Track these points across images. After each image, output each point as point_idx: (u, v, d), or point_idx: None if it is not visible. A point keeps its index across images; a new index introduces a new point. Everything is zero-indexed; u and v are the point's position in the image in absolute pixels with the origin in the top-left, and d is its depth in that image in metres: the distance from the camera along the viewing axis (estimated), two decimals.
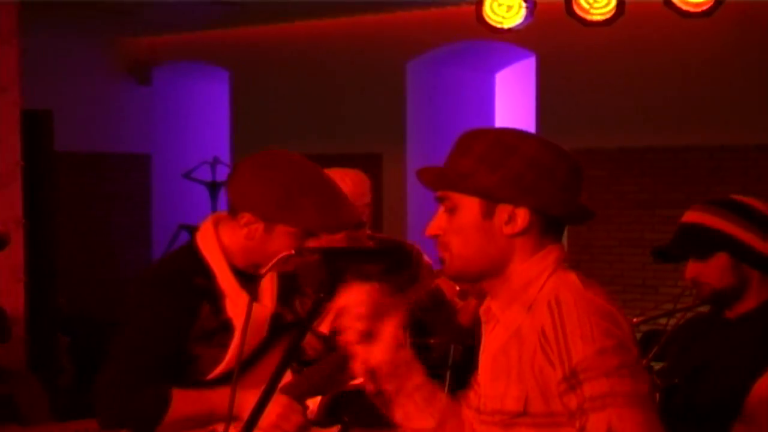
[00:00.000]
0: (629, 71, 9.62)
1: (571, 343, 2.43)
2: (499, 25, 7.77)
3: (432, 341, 5.04)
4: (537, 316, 2.54)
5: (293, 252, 3.00)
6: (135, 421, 3.37)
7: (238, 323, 3.37)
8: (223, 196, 11.99)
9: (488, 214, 2.58)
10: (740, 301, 3.59)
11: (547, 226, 2.61)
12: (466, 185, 2.59)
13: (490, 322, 2.70)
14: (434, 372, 7.07)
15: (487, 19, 7.75)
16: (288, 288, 3.57)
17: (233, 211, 3.39)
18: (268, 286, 3.53)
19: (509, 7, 7.70)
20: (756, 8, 7.81)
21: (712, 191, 8.32)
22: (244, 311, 3.24)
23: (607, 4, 7.43)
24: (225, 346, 3.39)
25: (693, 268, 3.60)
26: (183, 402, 3.36)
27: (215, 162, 11.95)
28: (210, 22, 11.18)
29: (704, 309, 3.82)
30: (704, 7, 7.18)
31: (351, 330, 2.66)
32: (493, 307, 2.67)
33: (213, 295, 3.42)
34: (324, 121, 10.91)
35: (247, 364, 3.34)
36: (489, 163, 2.58)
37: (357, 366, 2.71)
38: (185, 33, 11.88)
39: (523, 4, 7.65)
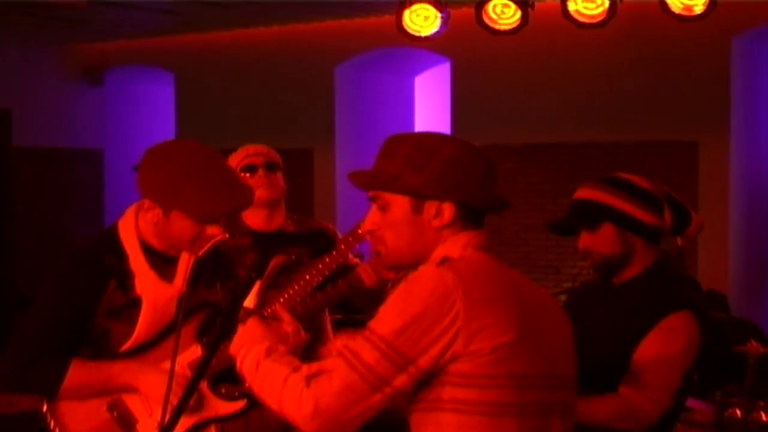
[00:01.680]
0: (533, 75, 9.70)
1: (379, 311, 2.51)
2: (417, 33, 7.77)
3: (360, 317, 5.00)
4: None
5: (227, 235, 2.98)
6: (31, 388, 3.32)
7: (146, 300, 3.30)
8: None
9: (417, 210, 2.60)
10: (626, 267, 3.64)
11: (470, 217, 2.63)
12: (396, 186, 2.60)
13: None
14: None
15: (407, 28, 7.74)
16: (217, 271, 3.45)
17: (142, 198, 3.33)
18: (183, 268, 3.39)
19: (426, 17, 7.70)
20: (645, 19, 7.90)
21: None
22: (153, 290, 3.28)
23: (513, 15, 7.46)
24: (133, 322, 3.30)
25: (584, 240, 3.64)
26: (80, 373, 3.27)
27: None
28: (156, 29, 11.11)
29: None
30: (598, 19, 7.24)
31: None
32: None
33: (122, 274, 3.32)
34: (260, 119, 10.91)
35: (155, 341, 3.30)
36: (414, 165, 2.59)
37: None
38: (134, 39, 11.78)
39: (439, 15, 7.66)
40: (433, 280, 2.49)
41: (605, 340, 3.51)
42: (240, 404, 3.31)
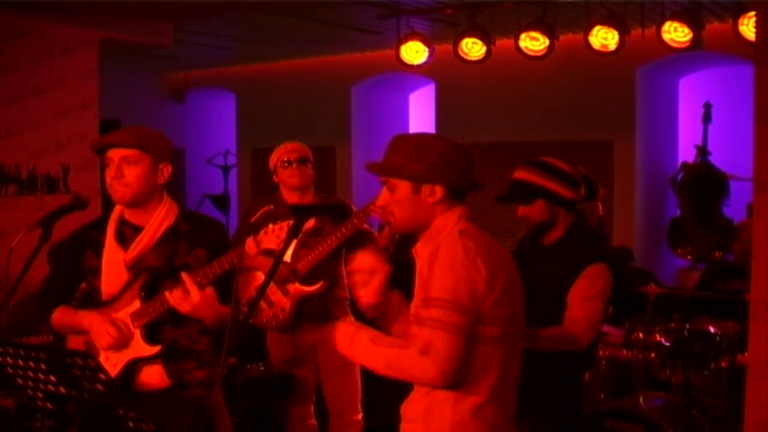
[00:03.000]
0: (495, 93, 9.65)
1: (435, 281, 2.49)
2: (410, 62, 7.76)
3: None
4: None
5: (272, 207, 2.93)
6: (37, 323, 3.35)
7: (103, 263, 3.15)
8: (232, 175, 11.95)
9: (416, 191, 2.61)
10: (552, 230, 3.63)
11: (455, 195, 2.64)
12: (400, 173, 2.61)
13: (417, 258, 2.71)
14: None
15: (403, 58, 7.73)
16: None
17: None
18: (141, 236, 3.14)
19: (417, 51, 7.69)
20: (574, 53, 7.87)
21: None
22: (107, 255, 3.14)
23: (480, 49, 7.46)
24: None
25: (522, 211, 3.65)
26: (63, 317, 3.19)
27: (226, 153, 11.87)
28: (223, 61, 11.08)
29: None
30: (541, 53, 7.24)
31: (356, 282, 2.80)
32: (418, 249, 2.68)
33: (98, 243, 3.19)
34: (296, 125, 10.87)
35: (119, 294, 3.14)
36: (414, 158, 2.59)
37: (361, 303, 2.81)
38: (207, 69, 11.75)
39: (426, 49, 7.65)
40: (461, 249, 2.50)
41: (546, 290, 3.50)
42: (155, 349, 3.11)
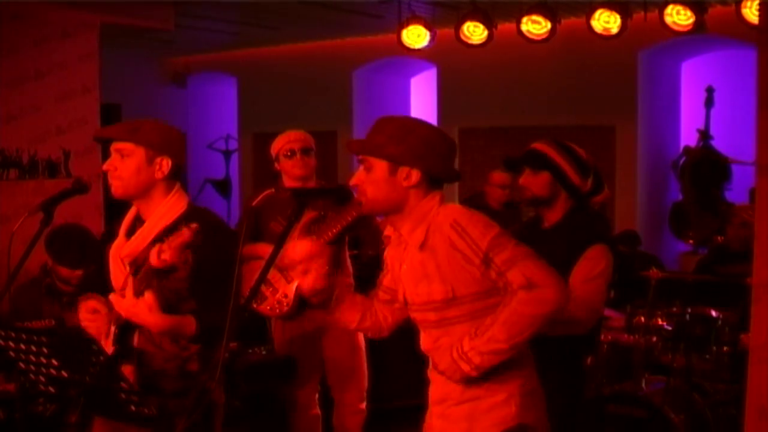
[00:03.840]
0: (497, 77, 9.63)
1: (476, 239, 2.49)
2: (412, 46, 7.73)
3: (370, 252, 5.01)
4: (440, 235, 2.55)
5: (273, 190, 2.89)
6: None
7: (110, 258, 3.08)
8: (233, 159, 11.94)
9: (393, 172, 2.58)
10: (550, 211, 3.59)
11: (432, 182, 2.62)
12: (379, 153, 2.58)
13: (401, 245, 2.70)
14: (368, 271, 7.00)
15: (404, 42, 7.71)
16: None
17: None
18: (140, 236, 3.03)
19: (418, 35, 7.67)
20: (576, 36, 7.85)
21: None
22: (114, 251, 3.06)
23: (482, 33, 7.44)
24: None
25: (525, 178, 3.57)
26: None
27: (228, 137, 11.85)
28: (224, 45, 11.06)
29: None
30: (543, 36, 7.21)
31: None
32: (403, 234, 2.65)
33: (114, 237, 3.14)
34: (298, 109, 10.84)
35: (119, 291, 3.00)
36: (395, 139, 2.56)
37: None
38: (208, 53, 11.72)
39: (428, 32, 7.63)
40: (468, 209, 2.58)
41: None
42: (113, 348, 2.91)
